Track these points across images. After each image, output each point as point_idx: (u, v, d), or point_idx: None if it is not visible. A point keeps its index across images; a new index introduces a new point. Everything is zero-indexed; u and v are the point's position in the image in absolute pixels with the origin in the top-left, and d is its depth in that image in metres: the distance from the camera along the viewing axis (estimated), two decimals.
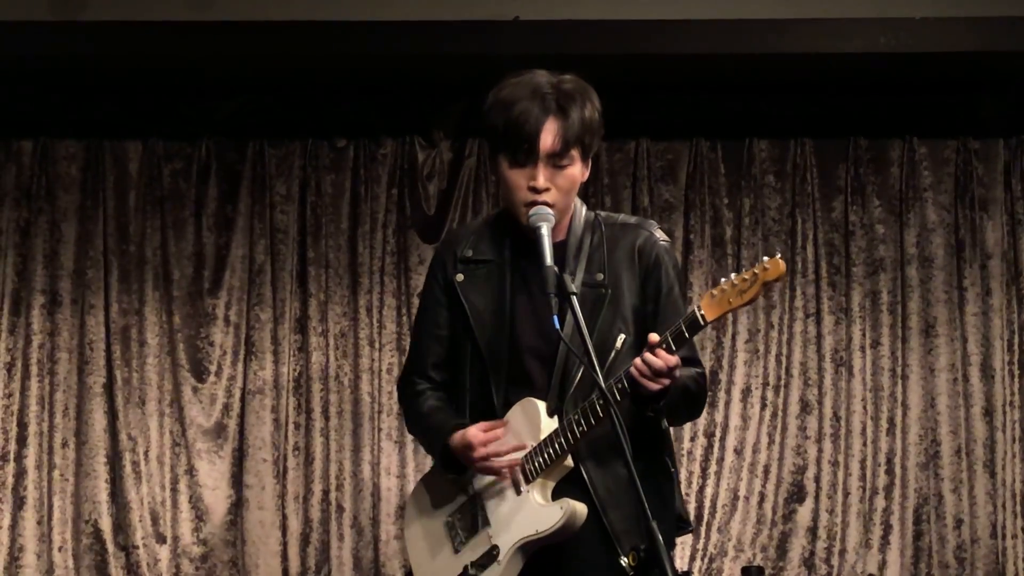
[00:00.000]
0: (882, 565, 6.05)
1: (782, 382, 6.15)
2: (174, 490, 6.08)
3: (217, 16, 5.60)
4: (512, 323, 3.40)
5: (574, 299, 3.15)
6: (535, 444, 3.34)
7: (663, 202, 6.22)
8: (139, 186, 6.19)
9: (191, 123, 6.17)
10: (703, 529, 6.06)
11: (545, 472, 3.33)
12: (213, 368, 6.13)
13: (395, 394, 6.03)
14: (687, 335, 3.17)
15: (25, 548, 6.00)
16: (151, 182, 6.18)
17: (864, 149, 6.23)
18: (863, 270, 6.20)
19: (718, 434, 6.11)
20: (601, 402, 3.18)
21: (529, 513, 3.33)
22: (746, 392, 6.14)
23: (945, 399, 6.14)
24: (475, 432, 3.36)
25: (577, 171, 3.36)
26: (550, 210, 3.31)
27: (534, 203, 3.31)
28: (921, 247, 6.20)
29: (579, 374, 3.35)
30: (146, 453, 6.07)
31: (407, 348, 5.93)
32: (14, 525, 6.01)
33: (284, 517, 6.07)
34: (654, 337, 3.17)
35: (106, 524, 6.03)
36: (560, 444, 3.29)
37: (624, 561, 3.02)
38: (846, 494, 6.10)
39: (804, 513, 6.10)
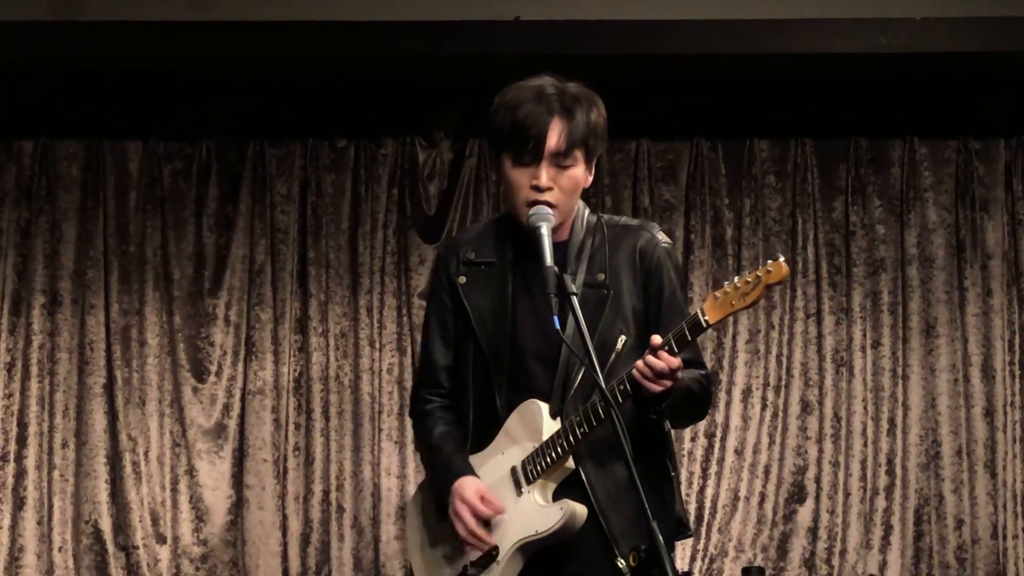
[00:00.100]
0: (883, 565, 6.05)
1: (783, 382, 6.14)
2: (174, 490, 6.08)
3: (217, 16, 5.60)
4: (514, 324, 3.40)
5: (574, 299, 3.15)
6: (537, 446, 3.34)
7: (663, 202, 6.22)
8: (139, 186, 6.19)
9: (191, 123, 6.17)
10: (703, 529, 6.06)
11: (546, 473, 3.33)
12: (213, 368, 6.13)
13: (396, 394, 6.09)
14: (689, 337, 3.17)
15: (25, 548, 6.00)
16: (151, 182, 6.18)
17: (865, 149, 6.23)
18: (864, 270, 6.20)
19: (718, 434, 6.11)
20: (602, 404, 3.18)
21: (529, 514, 3.33)
22: (747, 392, 6.14)
23: (946, 399, 6.13)
24: (470, 497, 3.36)
25: (580, 173, 3.36)
26: (550, 210, 3.31)
27: (536, 202, 3.31)
28: (922, 247, 6.20)
29: (580, 375, 3.35)
30: (146, 453, 6.07)
31: (409, 348, 6.07)
32: (14, 525, 6.01)
33: (284, 517, 6.07)
34: (656, 339, 3.17)
35: (106, 524, 6.03)
36: (561, 446, 3.29)
37: (621, 563, 3.02)
38: (847, 494, 6.10)
39: (805, 513, 6.10)
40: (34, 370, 6.08)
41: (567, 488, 3.35)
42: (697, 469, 6.10)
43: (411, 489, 5.90)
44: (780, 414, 6.13)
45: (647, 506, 2.91)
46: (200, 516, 6.07)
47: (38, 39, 5.59)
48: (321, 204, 6.20)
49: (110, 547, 6.01)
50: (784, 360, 6.16)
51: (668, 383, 3.18)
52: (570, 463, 3.33)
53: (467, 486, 3.37)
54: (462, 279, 3.48)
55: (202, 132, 6.18)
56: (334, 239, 6.19)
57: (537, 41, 5.53)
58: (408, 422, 5.20)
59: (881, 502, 6.09)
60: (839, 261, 6.21)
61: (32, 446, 6.05)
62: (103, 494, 6.04)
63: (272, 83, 6.07)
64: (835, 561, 6.06)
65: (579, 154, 3.33)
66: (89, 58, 5.72)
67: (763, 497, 6.10)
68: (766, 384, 6.14)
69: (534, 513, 3.32)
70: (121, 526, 6.04)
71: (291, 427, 6.10)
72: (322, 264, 6.17)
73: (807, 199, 6.22)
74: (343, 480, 6.07)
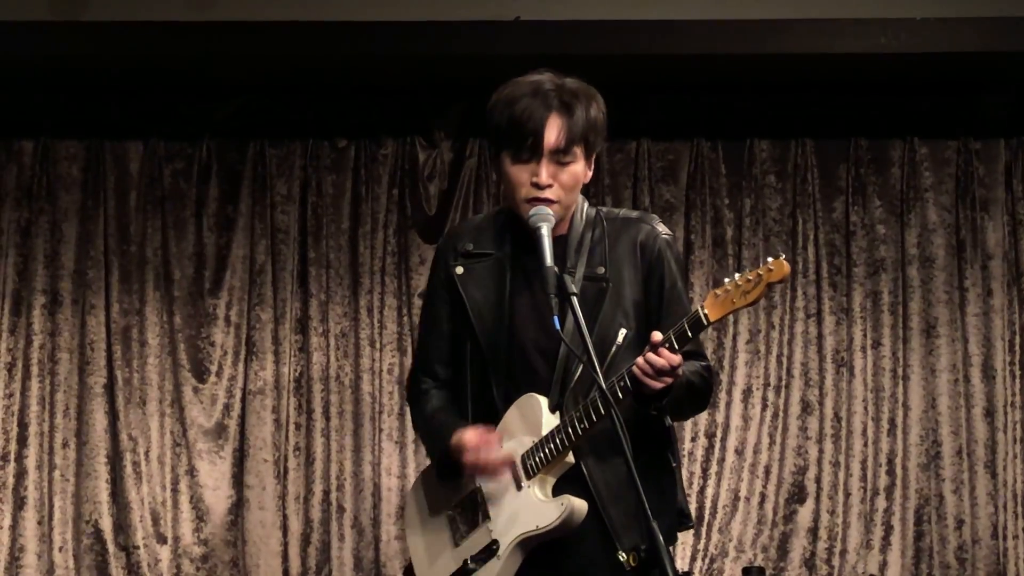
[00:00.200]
0: (883, 566, 6.05)
1: (783, 383, 6.14)
2: (175, 490, 6.08)
3: (218, 16, 5.60)
4: (511, 318, 3.40)
5: (574, 300, 3.15)
6: (536, 440, 3.34)
7: (664, 202, 6.22)
8: (140, 186, 6.19)
9: (192, 123, 6.17)
10: (704, 529, 6.06)
11: (546, 468, 3.33)
12: (214, 368, 6.13)
13: (396, 394, 6.08)
14: (690, 334, 3.17)
15: (26, 548, 6.00)
16: (152, 182, 6.18)
17: (865, 149, 6.23)
18: (864, 270, 6.20)
19: (719, 434, 6.11)
20: (602, 402, 3.18)
21: (529, 509, 3.33)
22: (747, 393, 6.14)
23: (946, 400, 6.13)
24: (470, 435, 3.37)
25: (580, 169, 3.36)
26: (550, 211, 3.31)
27: (536, 199, 3.31)
28: (922, 247, 6.20)
29: (579, 370, 3.35)
30: (147, 453, 6.07)
31: (409, 347, 6.07)
32: (15, 525, 6.01)
33: (285, 517, 6.07)
34: (657, 336, 3.17)
35: (107, 524, 6.03)
36: (561, 440, 3.29)
37: (623, 556, 3.02)
38: (847, 495, 6.10)
39: (805, 514, 6.09)
40: (35, 370, 6.08)
41: (568, 482, 3.34)
42: (697, 469, 6.10)
43: None
44: (780, 414, 6.13)
45: (647, 505, 2.91)
46: (201, 516, 6.07)
47: (38, 39, 5.59)
48: (321, 204, 6.20)
49: (110, 547, 6.01)
50: (784, 360, 6.16)
51: (669, 380, 3.17)
52: (570, 458, 3.33)
53: (461, 437, 3.37)
54: (459, 269, 3.47)
55: (202, 132, 6.18)
56: (334, 239, 6.19)
57: (537, 41, 5.53)
58: (409, 422, 5.21)
59: (881, 502, 6.08)
60: (839, 261, 6.21)
61: (33, 446, 6.05)
62: (104, 494, 6.04)
63: (272, 83, 6.08)
64: (835, 561, 6.05)
65: (578, 150, 3.33)
66: (89, 58, 5.72)
67: (763, 497, 6.10)
68: (766, 384, 6.14)
69: (534, 508, 3.32)
70: (122, 526, 6.04)
71: (291, 427, 6.11)
72: (322, 264, 6.17)
73: (807, 199, 6.22)
74: (343, 480, 6.07)
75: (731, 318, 5.99)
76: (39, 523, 6.02)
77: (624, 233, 3.44)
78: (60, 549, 6.01)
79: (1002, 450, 6.10)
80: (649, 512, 2.91)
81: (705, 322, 3.15)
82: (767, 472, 6.10)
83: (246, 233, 6.18)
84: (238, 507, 6.08)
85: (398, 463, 6.09)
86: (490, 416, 3.41)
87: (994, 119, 6.16)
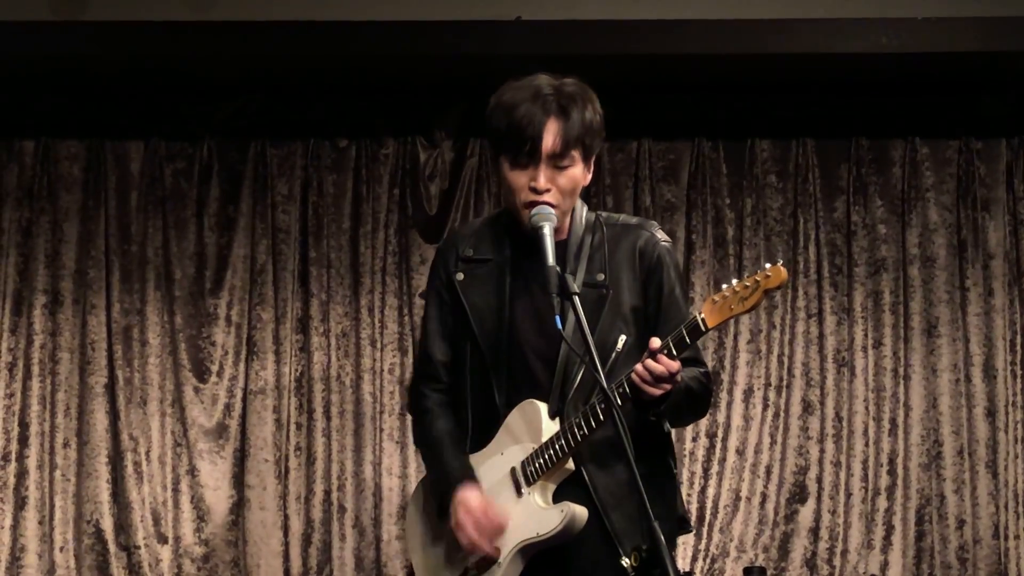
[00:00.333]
0: (884, 566, 6.05)
1: (784, 382, 6.14)
2: (176, 490, 6.08)
3: (218, 16, 5.60)
4: (512, 323, 3.40)
5: (576, 299, 3.15)
6: (536, 446, 3.34)
7: (665, 202, 6.22)
8: (141, 186, 6.19)
9: (193, 123, 6.17)
10: (705, 529, 6.06)
11: (546, 474, 3.33)
12: (215, 368, 6.13)
13: (397, 394, 6.08)
14: (688, 341, 3.17)
15: (27, 548, 6.00)
16: (153, 182, 6.18)
17: (866, 149, 6.23)
18: (865, 270, 6.20)
19: (720, 434, 6.11)
20: (602, 405, 3.18)
21: (530, 516, 3.33)
22: (748, 392, 6.14)
23: (947, 399, 6.13)
24: (475, 507, 3.36)
25: (578, 172, 3.36)
26: (552, 210, 3.31)
27: (535, 203, 3.31)
28: (923, 247, 6.20)
29: (580, 375, 3.35)
30: (147, 453, 6.08)
31: (410, 347, 6.07)
32: (16, 525, 6.01)
33: (286, 517, 6.07)
34: (655, 342, 3.17)
35: (108, 524, 6.03)
36: (561, 447, 3.29)
37: (626, 562, 3.02)
38: (848, 495, 6.09)
39: (806, 513, 6.09)
40: (35, 370, 6.09)
41: (570, 487, 3.35)
42: (699, 469, 6.10)
43: (412, 489, 5.89)
44: (781, 414, 6.13)
45: (648, 507, 2.91)
46: (201, 516, 6.07)
47: (39, 39, 5.59)
48: (322, 204, 6.20)
49: (111, 547, 6.01)
50: (785, 360, 6.16)
51: (667, 386, 3.17)
52: (570, 464, 3.33)
53: (471, 497, 3.37)
54: (460, 276, 3.47)
55: (203, 132, 6.18)
56: (335, 239, 6.19)
57: (537, 41, 5.52)
58: (409, 422, 5.21)
59: (883, 502, 6.08)
60: (840, 261, 6.21)
61: (34, 446, 6.05)
62: (104, 494, 6.04)
63: (273, 83, 6.07)
64: (836, 561, 6.05)
65: (576, 154, 3.33)
66: (90, 58, 5.72)
67: (764, 497, 6.10)
68: (767, 384, 6.14)
69: (535, 515, 3.32)
70: (122, 526, 6.04)
71: (292, 427, 6.11)
72: (323, 264, 6.17)
73: (808, 199, 6.21)
74: (344, 480, 6.08)
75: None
76: (40, 523, 6.02)
77: (623, 239, 3.43)
78: (61, 549, 6.01)
79: (1003, 450, 6.10)
80: (651, 513, 2.91)
81: (703, 328, 3.15)
82: (768, 472, 6.10)
83: (247, 233, 6.18)
84: (239, 507, 6.08)
85: (399, 463, 6.09)
86: (491, 420, 3.42)
87: (995, 119, 6.16)
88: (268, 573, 6.02)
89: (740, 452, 6.11)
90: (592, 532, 3.32)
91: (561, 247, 3.38)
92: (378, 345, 6.14)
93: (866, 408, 6.13)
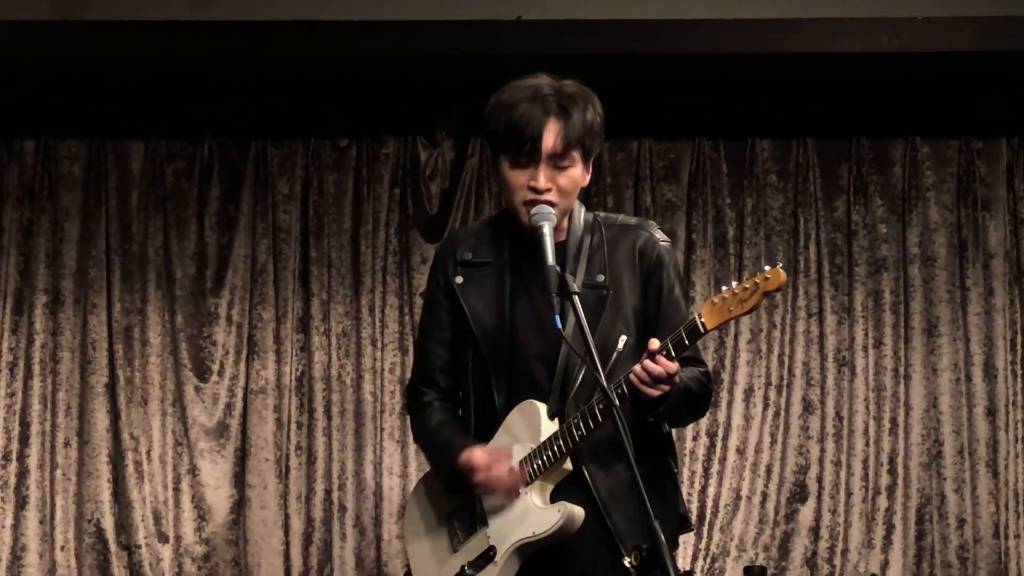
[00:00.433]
0: (884, 565, 6.05)
1: (784, 382, 6.14)
2: (176, 489, 6.08)
3: (219, 16, 5.60)
4: (512, 325, 3.40)
5: (576, 299, 3.15)
6: (534, 446, 3.34)
7: (665, 202, 6.22)
8: (141, 185, 6.19)
9: (193, 123, 6.17)
10: (705, 529, 6.06)
11: (544, 474, 3.34)
12: (215, 368, 6.13)
13: (397, 393, 6.09)
14: (687, 342, 3.17)
15: (28, 548, 6.00)
16: (154, 181, 6.18)
17: (866, 149, 6.23)
18: (865, 270, 6.20)
19: (720, 434, 6.11)
20: (602, 405, 3.18)
21: (527, 515, 3.34)
22: (748, 392, 6.14)
23: (948, 399, 6.13)
24: (479, 455, 3.37)
25: (578, 173, 3.36)
26: (552, 210, 3.31)
27: (535, 203, 3.31)
28: (923, 247, 6.20)
29: (580, 376, 3.35)
30: (148, 452, 6.08)
31: (410, 347, 6.07)
32: (16, 525, 6.02)
33: (286, 516, 6.07)
34: (654, 344, 3.17)
35: (108, 524, 6.03)
36: (559, 447, 3.30)
37: (627, 561, 3.02)
38: (848, 494, 6.09)
39: (806, 513, 6.09)
40: (36, 369, 6.09)
41: (570, 487, 3.35)
42: (699, 468, 6.10)
43: (412, 488, 5.90)
44: (782, 413, 6.13)
45: (649, 506, 2.91)
46: (202, 515, 6.07)
47: (40, 39, 5.58)
48: (323, 203, 6.20)
49: (112, 546, 6.01)
50: (786, 359, 6.16)
51: (666, 387, 3.17)
52: (568, 464, 3.34)
53: (474, 449, 3.38)
54: (459, 279, 3.47)
55: (204, 132, 6.18)
56: (336, 238, 6.19)
57: (537, 41, 5.52)
58: (409, 421, 5.20)
59: (883, 501, 6.08)
60: (841, 260, 6.21)
61: (34, 445, 6.06)
62: (105, 493, 6.04)
63: (273, 83, 6.07)
64: (837, 560, 6.06)
65: (577, 154, 3.33)
66: (91, 58, 5.72)
67: (765, 496, 6.10)
68: (768, 383, 6.14)
69: (532, 514, 3.33)
70: (123, 525, 6.04)
71: (293, 426, 6.11)
72: (324, 263, 6.18)
73: (809, 199, 6.21)
74: (345, 479, 6.08)
75: None
76: (41, 522, 6.03)
77: (623, 240, 3.44)
78: (62, 548, 6.01)
79: (1003, 449, 6.10)
80: (651, 512, 2.91)
81: (702, 330, 3.15)
82: (768, 471, 6.10)
83: (248, 232, 6.18)
84: (240, 506, 6.08)
85: (400, 462, 6.09)
86: (492, 423, 3.42)
87: (995, 118, 6.15)
88: (269, 572, 6.03)
89: (740, 451, 6.11)
90: (592, 532, 3.33)
91: (560, 248, 3.38)
92: (379, 345, 6.14)
93: (866, 407, 6.13)
